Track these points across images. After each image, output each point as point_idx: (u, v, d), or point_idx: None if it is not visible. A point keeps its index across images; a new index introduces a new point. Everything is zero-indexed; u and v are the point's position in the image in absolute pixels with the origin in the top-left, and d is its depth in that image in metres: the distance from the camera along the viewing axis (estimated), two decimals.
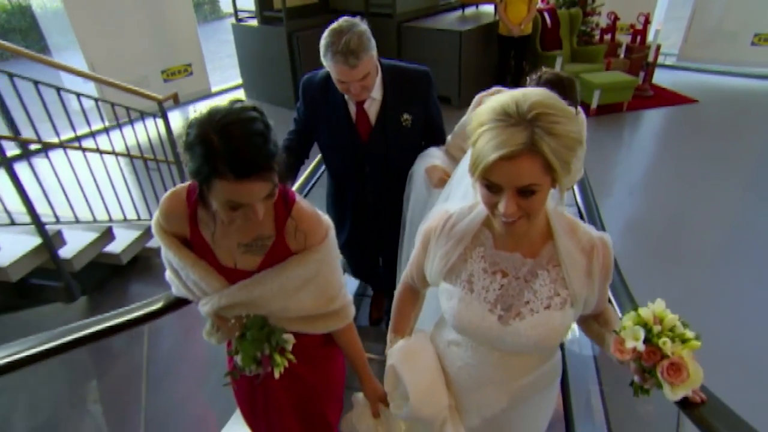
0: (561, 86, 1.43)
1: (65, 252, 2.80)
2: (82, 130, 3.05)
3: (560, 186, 0.83)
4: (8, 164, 2.45)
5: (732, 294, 3.10)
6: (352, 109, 1.72)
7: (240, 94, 6.53)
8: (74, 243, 2.85)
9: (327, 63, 1.53)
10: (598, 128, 5.27)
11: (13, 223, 2.66)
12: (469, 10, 6.47)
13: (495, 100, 0.81)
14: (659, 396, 0.90)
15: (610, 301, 1.25)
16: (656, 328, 0.88)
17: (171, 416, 2.10)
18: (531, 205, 0.83)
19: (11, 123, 2.71)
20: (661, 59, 6.68)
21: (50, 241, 2.64)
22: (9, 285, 2.64)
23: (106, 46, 5.38)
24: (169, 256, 1.14)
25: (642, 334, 0.88)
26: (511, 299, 0.98)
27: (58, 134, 2.84)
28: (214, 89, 6.74)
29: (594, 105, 5.44)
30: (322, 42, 1.51)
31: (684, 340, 0.87)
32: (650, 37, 6.04)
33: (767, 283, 3.15)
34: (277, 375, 1.11)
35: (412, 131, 1.77)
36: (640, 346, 0.87)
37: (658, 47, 6.00)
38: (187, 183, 1.09)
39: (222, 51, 9.68)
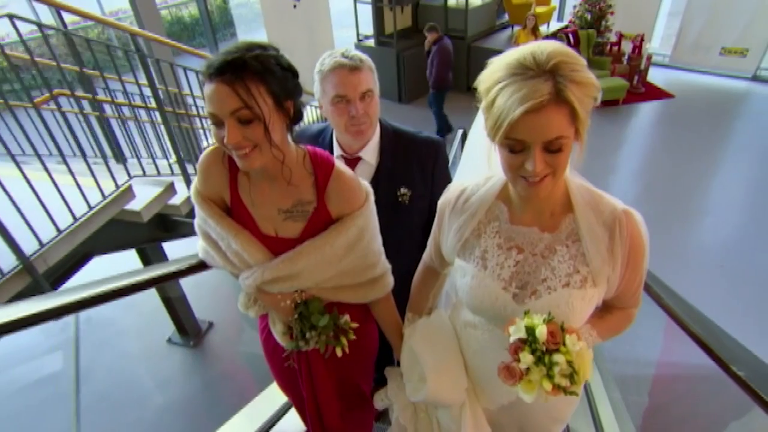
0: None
1: None
2: None
3: (581, 140, 0.80)
4: None
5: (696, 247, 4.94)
6: None
7: None
8: None
9: (325, 83, 1.29)
10: (600, 118, 8.10)
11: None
12: (517, 29, 9.18)
13: (506, 56, 0.77)
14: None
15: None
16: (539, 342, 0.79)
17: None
18: (558, 161, 0.79)
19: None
20: (660, 59, 9.28)
21: None
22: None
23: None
24: (207, 226, 1.10)
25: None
26: (527, 276, 0.93)
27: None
28: None
29: (598, 101, 8.20)
30: (318, 68, 1.30)
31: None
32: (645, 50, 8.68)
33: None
34: (339, 353, 1.12)
35: (410, 211, 1.45)
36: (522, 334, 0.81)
37: (649, 57, 8.66)
38: None
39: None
